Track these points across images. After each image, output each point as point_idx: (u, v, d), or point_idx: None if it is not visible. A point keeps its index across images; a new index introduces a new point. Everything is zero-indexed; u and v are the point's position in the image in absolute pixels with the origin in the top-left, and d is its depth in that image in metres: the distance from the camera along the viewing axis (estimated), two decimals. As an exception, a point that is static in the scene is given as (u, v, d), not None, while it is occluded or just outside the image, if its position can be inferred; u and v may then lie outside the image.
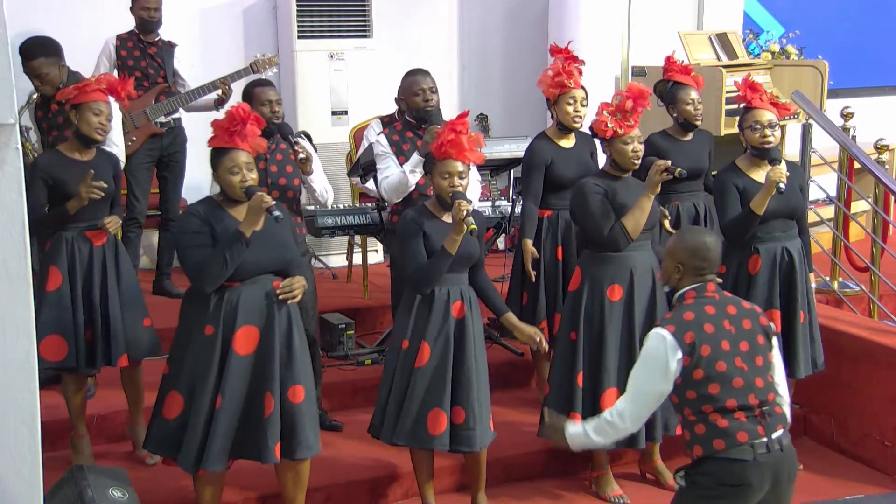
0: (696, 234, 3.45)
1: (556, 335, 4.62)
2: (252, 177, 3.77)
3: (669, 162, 4.25)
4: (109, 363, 4.36)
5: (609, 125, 4.29)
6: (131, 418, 4.62)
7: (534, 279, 4.92)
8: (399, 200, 4.89)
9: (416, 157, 4.74)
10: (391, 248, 5.08)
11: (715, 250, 3.35)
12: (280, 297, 3.77)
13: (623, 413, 3.28)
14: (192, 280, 3.77)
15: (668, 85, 5.13)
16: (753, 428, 3.18)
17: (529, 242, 4.90)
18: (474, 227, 3.89)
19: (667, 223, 4.73)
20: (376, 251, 6.94)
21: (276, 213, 3.68)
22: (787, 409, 3.34)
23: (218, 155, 3.78)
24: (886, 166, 6.79)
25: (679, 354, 3.18)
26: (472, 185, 4.89)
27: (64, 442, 4.62)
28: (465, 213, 3.90)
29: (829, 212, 6.67)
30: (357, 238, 6.34)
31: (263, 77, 5.75)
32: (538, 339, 4.19)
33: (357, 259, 6.49)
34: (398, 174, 4.81)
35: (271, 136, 4.57)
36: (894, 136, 7.41)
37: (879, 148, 6.58)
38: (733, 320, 3.27)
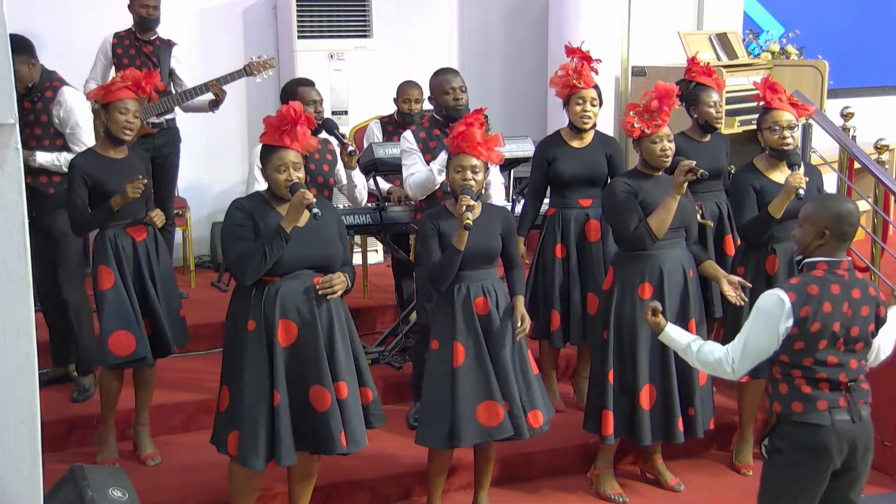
0: (839, 200, 3.45)
1: (592, 335, 4.64)
2: (298, 175, 3.78)
3: (694, 162, 4.24)
4: (169, 352, 4.49)
5: (636, 125, 4.29)
6: (136, 418, 4.62)
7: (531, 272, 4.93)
8: (423, 198, 4.88)
9: (443, 156, 4.64)
10: (415, 245, 5.07)
11: (857, 216, 3.35)
12: (319, 292, 3.78)
13: (734, 363, 3.37)
14: (233, 272, 3.83)
15: (691, 86, 5.14)
16: (835, 398, 3.28)
17: (521, 240, 4.87)
18: (469, 222, 3.89)
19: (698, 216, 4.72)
20: (376, 251, 6.94)
21: (316, 210, 3.70)
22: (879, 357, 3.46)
23: (267, 152, 3.81)
24: (886, 166, 6.77)
25: (790, 322, 3.26)
26: (496, 188, 4.89)
27: (64, 442, 4.63)
28: (463, 207, 3.90)
29: (828, 212, 6.64)
30: (357, 238, 6.34)
31: (262, 76, 5.76)
32: (519, 326, 4.11)
33: (357, 259, 6.49)
34: (425, 172, 4.76)
35: (315, 134, 4.57)
36: (894, 136, 7.40)
37: (879, 148, 6.57)
38: (853, 304, 3.30)
